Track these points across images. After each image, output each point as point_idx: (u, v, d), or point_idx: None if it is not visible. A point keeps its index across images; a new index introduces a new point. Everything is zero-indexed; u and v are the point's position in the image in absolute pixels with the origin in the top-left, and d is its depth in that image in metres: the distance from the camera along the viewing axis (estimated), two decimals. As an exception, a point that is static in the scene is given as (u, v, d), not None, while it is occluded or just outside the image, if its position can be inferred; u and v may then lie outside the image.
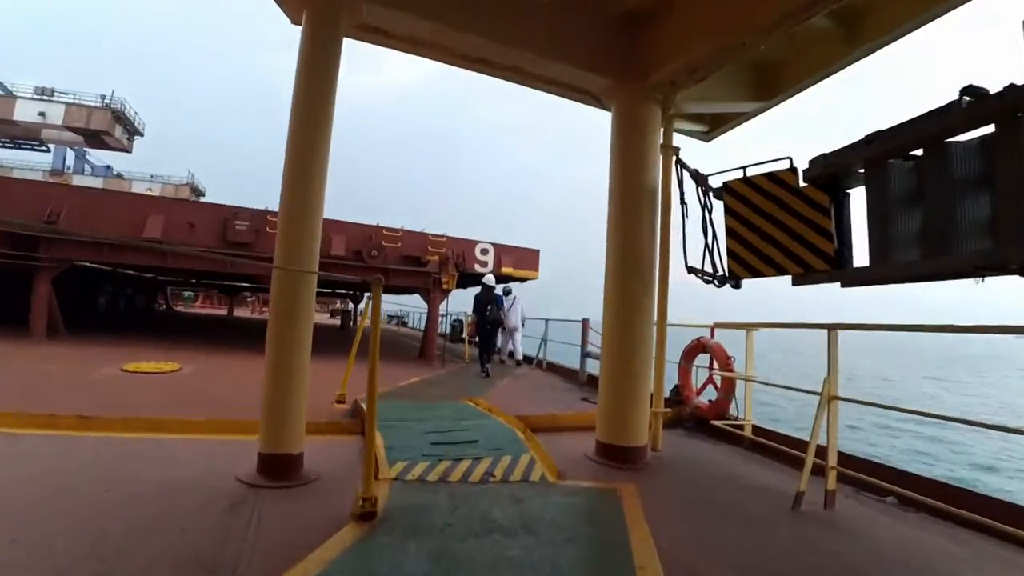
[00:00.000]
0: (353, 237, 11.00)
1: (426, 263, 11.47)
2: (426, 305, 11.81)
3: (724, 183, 4.57)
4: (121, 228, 9.83)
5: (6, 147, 36.83)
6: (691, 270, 4.46)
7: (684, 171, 4.69)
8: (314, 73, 3.63)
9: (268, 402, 3.33)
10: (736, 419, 5.52)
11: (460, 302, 15.28)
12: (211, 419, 4.33)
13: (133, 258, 10.15)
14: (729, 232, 4.50)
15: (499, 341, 11.73)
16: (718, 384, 5.83)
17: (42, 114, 34.24)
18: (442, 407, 5.81)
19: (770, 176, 4.29)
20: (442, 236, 11.89)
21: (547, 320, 11.69)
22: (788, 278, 4.19)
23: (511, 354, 11.95)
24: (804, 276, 4.07)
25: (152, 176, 41.96)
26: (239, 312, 32.09)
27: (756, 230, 4.34)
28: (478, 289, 10.20)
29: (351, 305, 31.98)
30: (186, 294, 35.62)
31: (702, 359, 6.18)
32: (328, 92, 3.66)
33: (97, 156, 40.59)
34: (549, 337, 11.52)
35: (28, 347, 8.56)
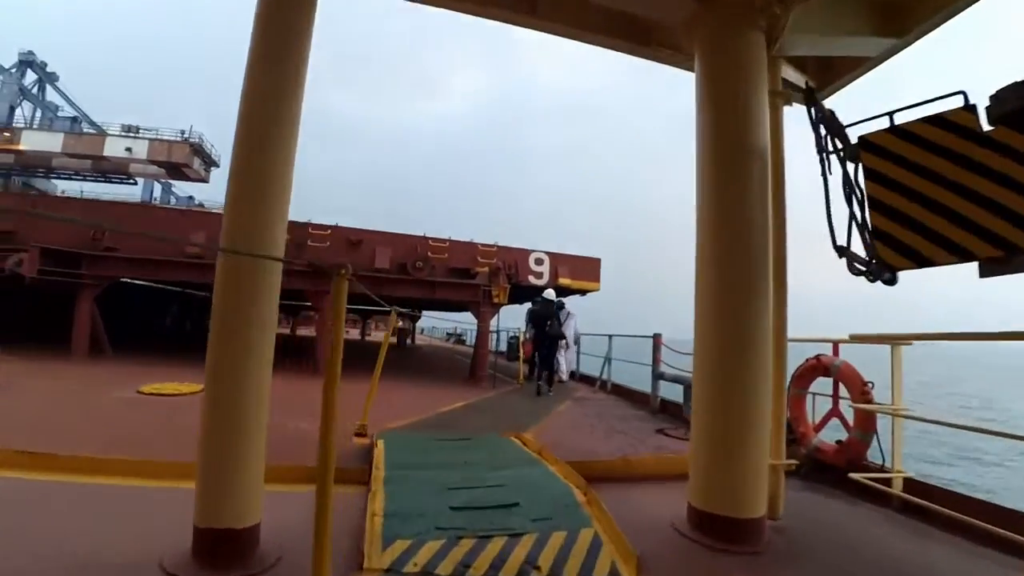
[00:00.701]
0: (397, 249, 10.24)
1: (475, 275, 10.50)
2: (476, 321, 10.80)
3: (860, 138, 3.20)
4: (163, 245, 9.58)
5: (99, 181, 40.08)
6: (841, 251, 3.06)
7: (818, 114, 3.32)
8: None
9: (203, 452, 2.32)
10: (881, 467, 4.01)
11: (513, 317, 14.24)
12: (176, 461, 3.37)
13: (174, 274, 9.85)
14: (873, 204, 3.12)
15: (561, 361, 10.59)
16: (848, 419, 4.33)
17: (128, 149, 37.09)
18: (479, 444, 4.67)
19: (934, 120, 2.90)
20: (492, 245, 10.91)
21: (610, 336, 10.34)
22: (970, 266, 2.81)
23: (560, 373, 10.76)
24: (1003, 261, 2.66)
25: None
26: (304, 331, 32.77)
27: (919, 198, 2.94)
28: (530, 303, 9.12)
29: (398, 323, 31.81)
30: None
31: (820, 384, 4.71)
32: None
33: (180, 188, 43.45)
34: (613, 355, 10.16)
35: (61, 365, 8.32)
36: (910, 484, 3.75)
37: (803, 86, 4.37)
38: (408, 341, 27.04)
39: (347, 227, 10.32)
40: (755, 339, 3.01)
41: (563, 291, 11.86)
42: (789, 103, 3.61)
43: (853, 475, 3.84)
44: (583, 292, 12.41)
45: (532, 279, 11.14)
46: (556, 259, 11.44)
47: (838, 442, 4.31)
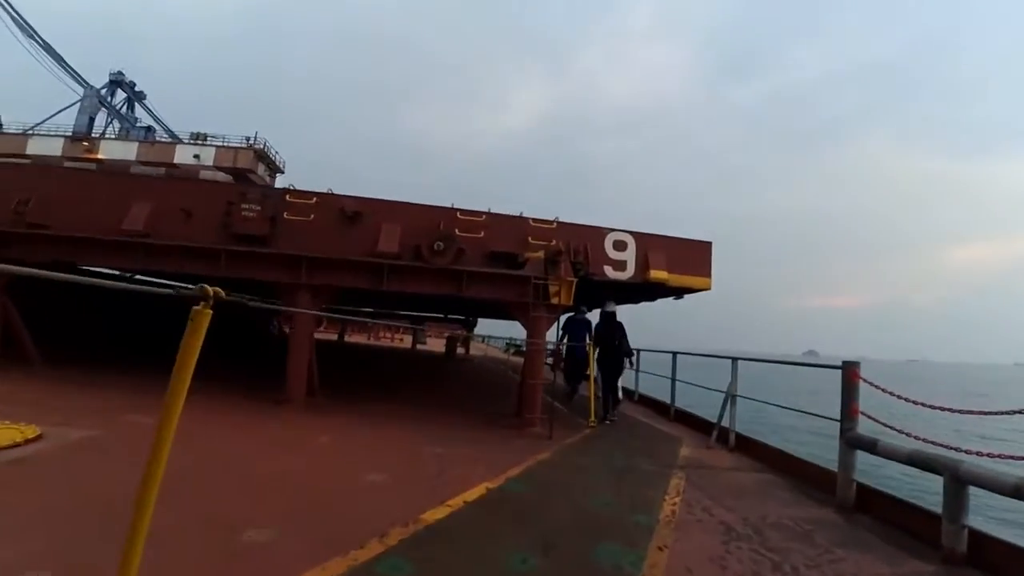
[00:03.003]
0: (411, 225, 7.02)
1: (524, 262, 7.05)
2: (525, 331, 7.30)
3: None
4: (92, 221, 6.94)
5: (168, 187, 40.87)
6: None
7: None
8: None
9: None
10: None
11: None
12: None
13: (104, 259, 7.18)
14: None
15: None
16: None
17: (196, 156, 37.44)
18: None
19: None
20: (551, 221, 7.43)
21: (735, 359, 6.56)
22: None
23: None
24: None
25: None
26: (356, 338, 30.66)
27: None
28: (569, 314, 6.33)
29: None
30: None
31: None
32: None
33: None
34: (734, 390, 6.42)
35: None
36: None
37: None
38: (462, 351, 23.99)
39: (341, 195, 7.24)
40: None
41: (657, 289, 8.13)
42: None
43: None
44: (683, 292, 8.61)
45: (610, 271, 7.53)
46: (646, 242, 7.74)
47: None
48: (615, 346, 7.78)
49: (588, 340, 8.34)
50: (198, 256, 6.92)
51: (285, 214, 6.95)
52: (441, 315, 26.67)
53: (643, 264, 7.65)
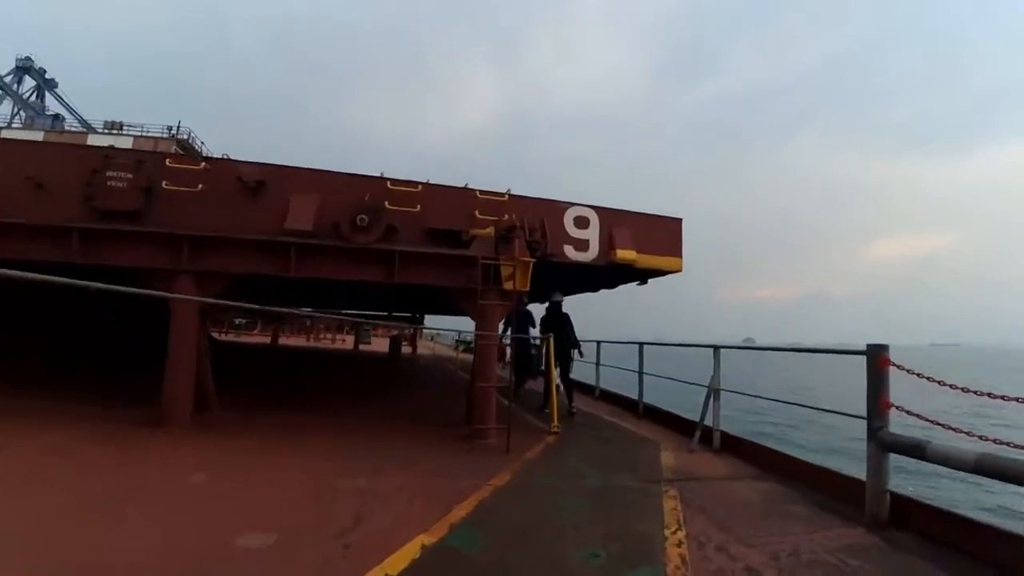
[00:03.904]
0: (333, 200, 5.67)
1: (470, 240, 5.87)
2: (473, 323, 6.10)
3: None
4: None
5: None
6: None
7: None
8: None
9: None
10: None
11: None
12: None
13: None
14: None
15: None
16: None
17: (111, 147, 33.73)
18: None
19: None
20: (502, 194, 6.29)
21: (716, 349, 5.69)
22: None
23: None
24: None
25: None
26: (294, 341, 28.37)
27: None
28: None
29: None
30: (237, 321, 32.34)
31: None
32: None
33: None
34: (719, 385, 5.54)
35: None
36: None
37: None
38: (408, 350, 22.49)
39: (240, 160, 5.79)
40: None
41: (621, 272, 7.17)
42: None
43: None
44: (650, 274, 7.70)
45: (571, 251, 6.48)
46: (610, 218, 6.74)
47: None
48: (564, 338, 7.42)
49: (531, 333, 8.00)
50: (43, 236, 5.29)
51: (164, 183, 5.44)
52: (385, 312, 25.09)
53: (608, 243, 6.65)
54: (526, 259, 5.81)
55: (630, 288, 11.64)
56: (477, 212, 6.03)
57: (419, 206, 5.89)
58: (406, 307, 22.58)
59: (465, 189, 6.25)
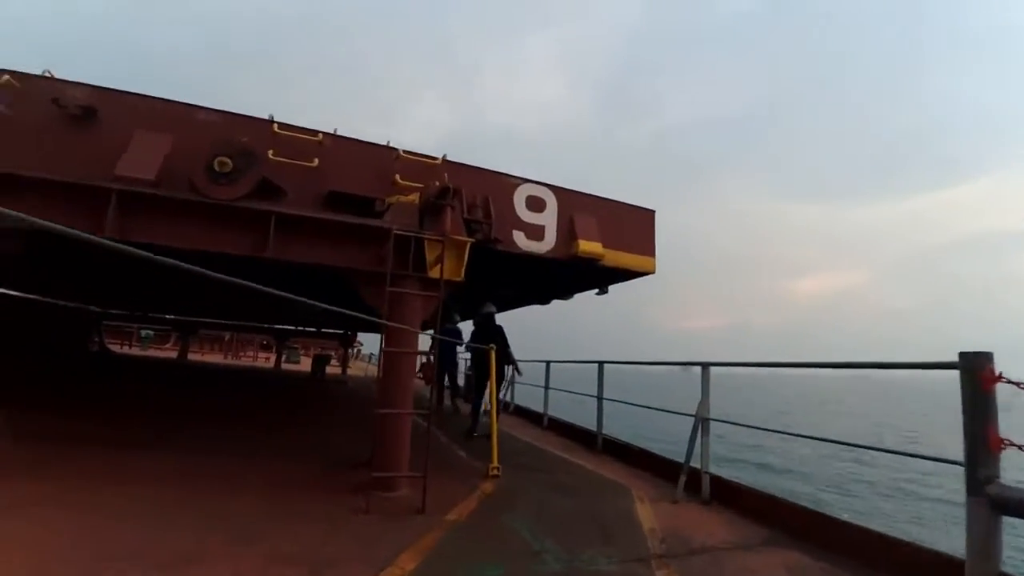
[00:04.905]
0: (194, 141, 3.95)
1: (385, 209, 4.29)
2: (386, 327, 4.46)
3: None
4: None
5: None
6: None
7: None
8: None
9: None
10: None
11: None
12: None
13: None
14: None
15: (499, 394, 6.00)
16: None
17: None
18: None
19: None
20: (434, 158, 4.77)
21: (705, 367, 4.38)
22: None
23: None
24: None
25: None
26: (210, 357, 25.16)
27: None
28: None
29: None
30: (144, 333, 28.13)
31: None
32: None
33: None
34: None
35: None
36: None
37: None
38: (336, 371, 20.19)
39: (66, 80, 4.01)
40: None
41: (587, 269, 5.75)
42: None
43: None
44: (616, 276, 6.39)
45: (522, 239, 5.01)
46: (571, 202, 5.37)
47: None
48: (498, 355, 5.95)
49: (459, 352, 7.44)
50: None
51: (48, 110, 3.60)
52: (314, 329, 22.74)
53: (568, 232, 5.25)
54: (461, 238, 4.29)
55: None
56: (399, 177, 4.48)
57: (317, 161, 4.28)
58: (341, 324, 20.41)
59: (385, 147, 4.70)
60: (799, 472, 12.86)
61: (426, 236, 4.09)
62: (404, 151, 4.66)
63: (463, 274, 4.35)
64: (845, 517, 3.48)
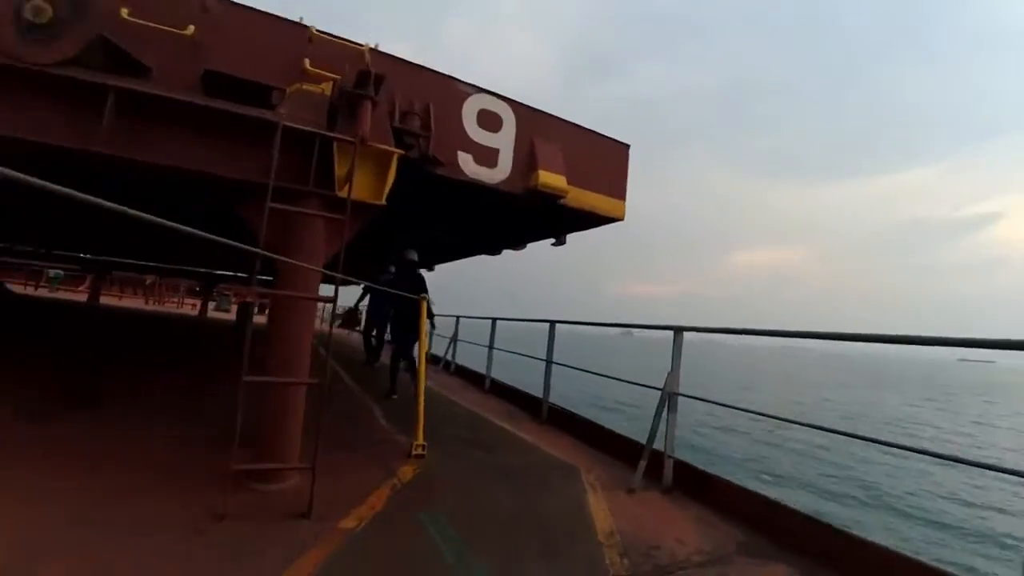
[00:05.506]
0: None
1: (278, 103, 3.16)
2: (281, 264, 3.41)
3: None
4: None
5: None
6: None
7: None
8: None
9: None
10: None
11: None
12: None
13: None
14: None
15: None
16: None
17: None
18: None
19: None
20: (361, 44, 3.62)
21: (677, 331, 3.60)
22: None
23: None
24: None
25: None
26: (126, 300, 22.82)
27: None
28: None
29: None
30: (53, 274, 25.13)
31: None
32: None
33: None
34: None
35: None
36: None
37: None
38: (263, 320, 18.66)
39: None
40: None
41: (547, 208, 4.80)
42: None
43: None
44: (579, 222, 5.53)
45: (469, 163, 3.99)
46: (533, 124, 4.37)
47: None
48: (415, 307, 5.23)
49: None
50: None
51: None
52: (244, 274, 20.93)
53: (528, 160, 4.28)
54: (386, 147, 3.24)
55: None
56: (308, 63, 3.33)
57: (194, 29, 3.06)
58: (271, 270, 18.65)
59: (295, 23, 3.51)
60: (760, 451, 12.69)
61: (335, 136, 3.01)
62: (318, 30, 3.49)
63: (384, 197, 3.32)
64: (784, 500, 2.85)
